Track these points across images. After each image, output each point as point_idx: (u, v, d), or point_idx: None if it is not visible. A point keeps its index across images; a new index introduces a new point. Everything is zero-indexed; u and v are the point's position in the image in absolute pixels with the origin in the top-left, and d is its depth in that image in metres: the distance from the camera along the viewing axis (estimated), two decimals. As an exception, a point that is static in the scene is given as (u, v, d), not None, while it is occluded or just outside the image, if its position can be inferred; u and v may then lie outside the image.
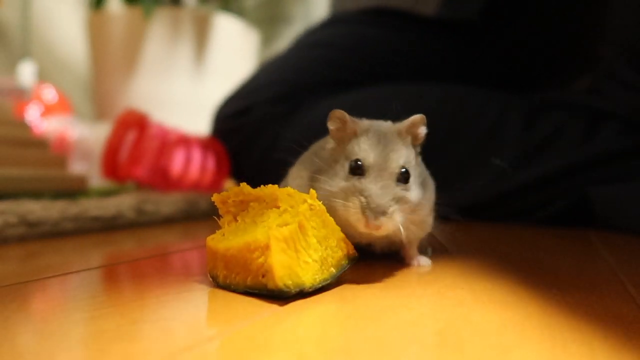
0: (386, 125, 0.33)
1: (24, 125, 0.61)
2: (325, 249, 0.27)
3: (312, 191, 0.28)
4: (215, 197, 0.30)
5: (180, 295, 0.27)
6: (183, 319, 0.22)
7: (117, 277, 0.32)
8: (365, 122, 0.33)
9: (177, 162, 0.78)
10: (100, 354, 0.18)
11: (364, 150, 0.31)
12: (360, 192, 0.29)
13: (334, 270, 0.28)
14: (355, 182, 0.30)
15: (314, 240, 0.27)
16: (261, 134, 0.75)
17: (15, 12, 1.16)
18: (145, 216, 0.57)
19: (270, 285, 0.25)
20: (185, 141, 0.81)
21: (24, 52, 1.16)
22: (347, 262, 0.29)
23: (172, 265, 0.36)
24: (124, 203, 0.56)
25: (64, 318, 0.22)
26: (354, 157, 0.31)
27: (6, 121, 0.59)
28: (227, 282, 0.27)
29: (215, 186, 0.85)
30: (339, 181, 0.31)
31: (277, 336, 0.20)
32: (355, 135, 0.32)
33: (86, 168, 0.79)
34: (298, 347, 0.19)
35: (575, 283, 0.31)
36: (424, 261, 0.35)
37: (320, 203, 0.28)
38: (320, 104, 0.71)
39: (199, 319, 0.23)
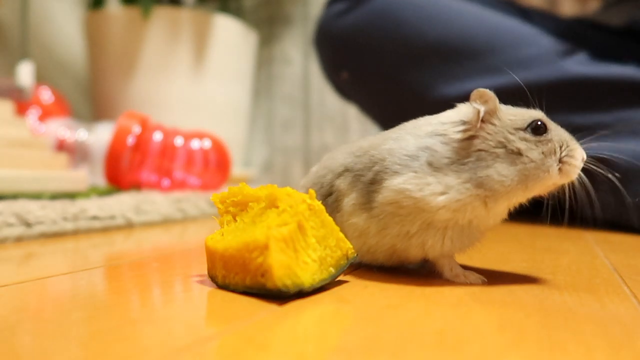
0: None
1: (23, 125, 0.61)
2: (324, 248, 0.28)
3: (311, 191, 0.28)
4: (214, 197, 0.30)
5: (179, 295, 0.27)
6: (182, 318, 0.22)
7: (116, 277, 0.32)
8: None
9: (179, 163, 0.79)
10: (99, 354, 0.18)
11: (527, 112, 0.30)
12: (563, 143, 0.30)
13: (333, 270, 0.28)
14: (551, 138, 0.29)
15: (313, 240, 0.27)
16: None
17: (13, 12, 1.16)
18: (144, 216, 0.57)
19: (269, 285, 0.25)
20: (186, 141, 0.81)
21: (23, 53, 1.16)
22: (346, 262, 0.29)
23: (171, 265, 0.36)
24: (122, 203, 0.56)
25: (62, 318, 0.22)
26: (529, 121, 0.29)
27: (6, 121, 0.59)
28: (226, 282, 0.27)
29: (217, 185, 0.85)
30: (534, 149, 0.29)
31: (276, 336, 0.20)
32: (496, 109, 0.30)
33: (86, 169, 0.79)
34: (297, 347, 0.19)
35: (573, 283, 0.31)
36: (474, 278, 0.31)
37: (319, 203, 0.28)
38: None
39: (197, 319, 0.23)
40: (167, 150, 0.78)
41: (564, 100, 0.63)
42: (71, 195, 0.59)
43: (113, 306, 0.24)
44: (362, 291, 0.28)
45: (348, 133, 1.44)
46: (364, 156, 0.32)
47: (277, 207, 0.28)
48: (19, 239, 0.44)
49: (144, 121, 0.77)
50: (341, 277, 0.31)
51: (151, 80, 1.13)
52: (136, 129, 0.76)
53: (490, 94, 0.29)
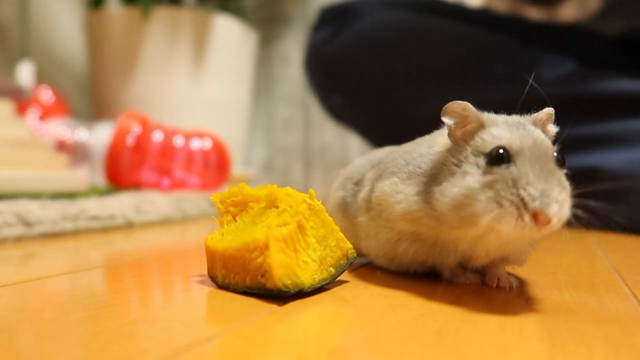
0: (513, 117, 0.27)
1: (23, 125, 0.61)
2: (325, 248, 0.28)
3: (312, 191, 0.28)
4: (214, 197, 0.30)
5: (179, 295, 0.27)
6: (182, 318, 0.22)
7: (116, 276, 0.32)
8: (489, 114, 0.27)
9: (179, 163, 0.79)
10: (99, 354, 0.18)
11: (504, 136, 0.25)
12: (513, 182, 0.23)
13: (333, 270, 0.28)
14: (503, 171, 0.24)
15: (313, 240, 0.27)
16: (352, 19, 0.79)
17: (13, 12, 1.16)
18: (144, 216, 0.57)
19: (269, 285, 0.25)
20: (186, 141, 0.81)
21: (23, 52, 1.16)
22: (346, 262, 0.29)
23: (171, 265, 0.36)
24: (122, 202, 0.56)
25: (62, 318, 0.22)
26: (493, 146, 0.25)
27: (6, 121, 0.59)
28: (226, 282, 0.27)
29: (217, 185, 0.85)
30: (476, 177, 0.24)
31: (276, 336, 0.20)
32: (482, 127, 0.26)
33: (86, 169, 0.79)
34: (297, 347, 0.19)
35: (573, 282, 0.31)
36: (514, 281, 0.29)
37: (319, 203, 0.28)
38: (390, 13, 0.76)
39: (197, 319, 0.23)
40: (167, 150, 0.78)
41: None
42: (71, 195, 0.59)
43: (113, 306, 0.24)
44: (362, 291, 0.28)
45: (348, 133, 1.44)
46: (394, 152, 0.32)
47: (277, 207, 0.28)
48: (19, 239, 0.44)
49: (144, 121, 0.77)
50: (341, 277, 0.31)
51: (151, 80, 1.13)
52: (136, 129, 0.76)
53: (457, 108, 0.26)
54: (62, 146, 0.79)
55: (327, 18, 0.83)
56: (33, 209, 0.46)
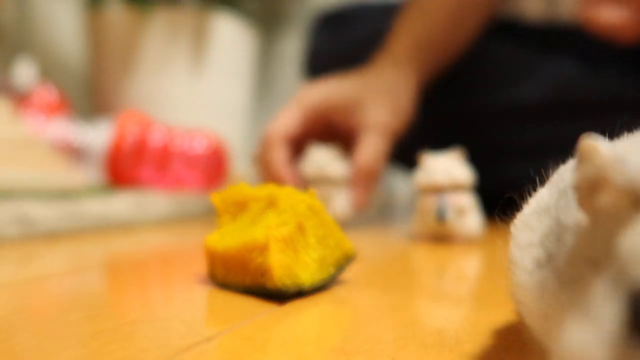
0: None
1: (23, 125, 0.61)
2: (324, 248, 0.28)
3: (312, 190, 0.28)
4: (214, 197, 0.30)
5: (178, 295, 0.27)
6: (181, 318, 0.22)
7: (115, 276, 0.32)
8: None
9: (179, 162, 0.79)
10: (98, 354, 0.18)
11: None
12: None
13: (333, 270, 0.28)
14: None
15: (313, 240, 0.27)
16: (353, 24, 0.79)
17: (13, 11, 1.16)
18: (144, 215, 0.57)
19: (269, 285, 0.25)
20: (186, 140, 0.81)
21: (23, 51, 1.16)
22: (346, 261, 0.29)
23: (170, 265, 0.36)
24: (122, 202, 0.56)
25: (62, 318, 0.22)
26: None
27: (5, 120, 0.59)
28: (226, 282, 0.27)
29: (217, 184, 0.85)
30: (602, 335, 0.10)
31: (276, 336, 0.20)
32: (635, 206, 0.10)
33: (86, 168, 0.79)
34: (297, 347, 0.19)
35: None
36: None
37: (319, 203, 0.28)
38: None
39: (197, 319, 0.23)
40: (166, 149, 0.78)
41: (525, 123, 0.62)
42: (71, 195, 0.59)
43: (113, 306, 0.24)
44: (362, 291, 0.28)
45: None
46: None
47: (277, 207, 0.28)
48: (18, 239, 0.44)
49: (144, 120, 0.78)
50: (341, 277, 0.31)
51: (151, 79, 1.13)
52: (136, 128, 0.76)
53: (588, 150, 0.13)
54: (62, 145, 0.79)
55: (325, 24, 0.83)
56: (33, 208, 0.46)
